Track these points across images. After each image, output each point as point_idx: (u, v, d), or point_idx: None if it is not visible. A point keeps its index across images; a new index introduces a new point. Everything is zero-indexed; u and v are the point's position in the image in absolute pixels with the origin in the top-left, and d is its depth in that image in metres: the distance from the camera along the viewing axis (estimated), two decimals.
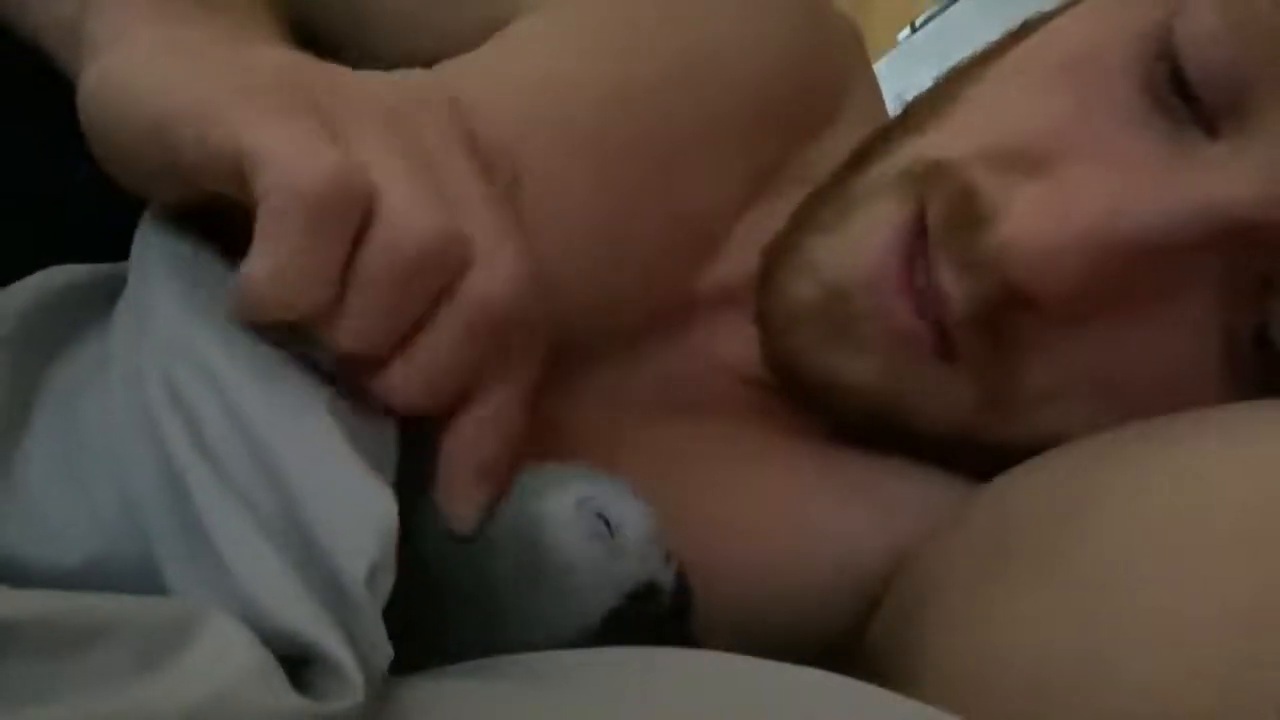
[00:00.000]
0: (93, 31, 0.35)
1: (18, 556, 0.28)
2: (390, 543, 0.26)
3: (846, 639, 0.39)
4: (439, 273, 0.28)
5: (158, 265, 0.31)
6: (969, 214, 0.37)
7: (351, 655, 0.24)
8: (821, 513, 0.41)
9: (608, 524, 0.31)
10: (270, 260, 0.27)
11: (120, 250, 0.33)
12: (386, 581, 0.26)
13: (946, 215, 0.37)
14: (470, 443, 0.30)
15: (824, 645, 0.38)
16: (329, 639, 0.24)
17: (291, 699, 0.22)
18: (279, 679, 0.23)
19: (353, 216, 0.27)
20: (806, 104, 0.48)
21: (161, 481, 0.27)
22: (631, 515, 0.31)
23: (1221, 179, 0.34)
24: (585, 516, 0.31)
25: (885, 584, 0.38)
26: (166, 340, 0.29)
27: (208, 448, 0.27)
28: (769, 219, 0.44)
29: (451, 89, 0.35)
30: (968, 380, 0.38)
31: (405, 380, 0.29)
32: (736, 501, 0.41)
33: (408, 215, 0.28)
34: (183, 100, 0.29)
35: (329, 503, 0.26)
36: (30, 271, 0.34)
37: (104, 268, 0.34)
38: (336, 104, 0.29)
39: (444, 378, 0.29)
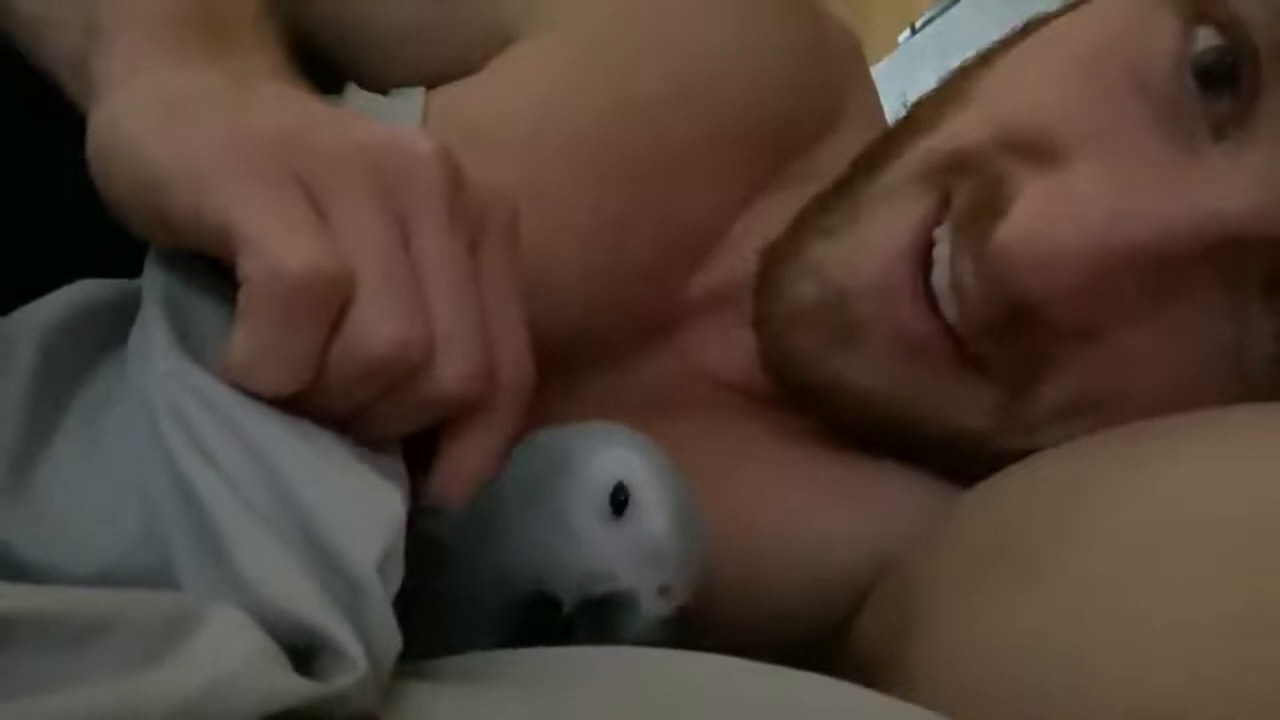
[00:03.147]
0: (97, 72, 0.35)
1: (40, 562, 0.28)
2: (398, 534, 0.27)
3: (831, 639, 0.38)
4: (397, 373, 0.30)
5: (154, 305, 0.32)
6: (994, 199, 0.37)
7: (358, 640, 0.24)
8: (806, 514, 0.41)
9: (625, 498, 0.30)
10: (249, 344, 0.29)
11: (121, 257, 0.34)
12: (396, 571, 0.26)
13: (972, 202, 0.37)
14: (458, 466, 0.32)
15: (809, 645, 0.38)
16: (334, 625, 0.24)
17: (293, 681, 0.22)
18: (281, 663, 0.23)
19: (327, 306, 0.29)
20: (805, 114, 0.48)
21: (173, 490, 0.28)
22: (657, 504, 0.30)
23: (1217, 190, 0.34)
24: (603, 486, 0.30)
25: (870, 585, 0.38)
26: (166, 374, 0.30)
27: (212, 458, 0.28)
28: (762, 224, 0.44)
29: (450, 123, 0.35)
30: (986, 388, 0.38)
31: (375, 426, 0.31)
32: (721, 503, 0.40)
33: (374, 321, 0.30)
34: (177, 167, 0.30)
35: (336, 501, 0.27)
36: (36, 277, 0.34)
37: (131, 283, 0.34)
38: (325, 172, 0.31)
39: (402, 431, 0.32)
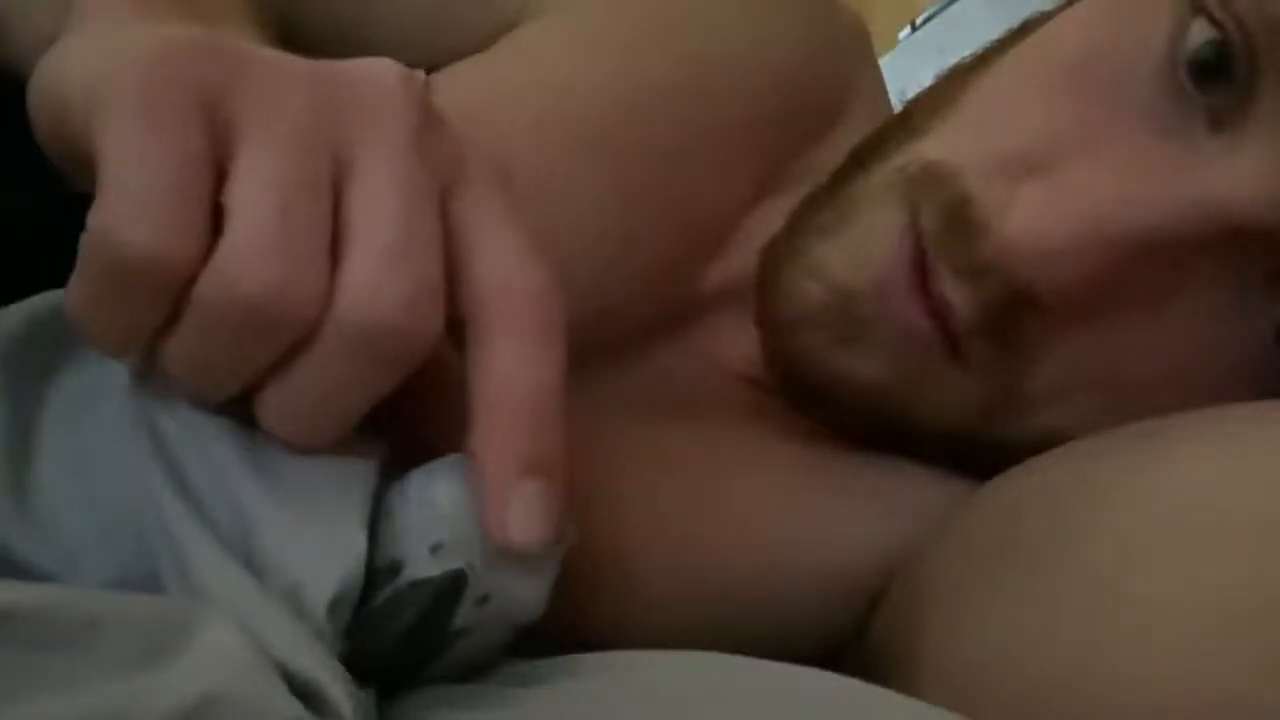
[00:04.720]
0: (65, 34, 0.33)
1: (40, 568, 0.28)
2: (349, 584, 0.26)
3: (846, 640, 0.39)
4: (278, 328, 0.25)
5: None
6: (963, 222, 0.37)
7: (342, 689, 0.24)
8: (820, 514, 0.41)
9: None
10: (76, 296, 0.25)
11: None
12: (342, 616, 0.26)
13: (942, 224, 0.37)
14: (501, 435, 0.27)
15: (824, 646, 0.38)
16: (322, 672, 0.24)
17: (286, 703, 0.22)
18: (274, 682, 0.23)
19: (166, 290, 0.25)
20: (815, 102, 0.48)
21: (151, 511, 0.27)
22: (435, 470, 0.28)
23: (1218, 180, 0.34)
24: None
25: (884, 584, 0.38)
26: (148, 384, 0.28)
27: (192, 498, 0.27)
28: (775, 217, 0.44)
29: (447, 104, 0.33)
30: (975, 381, 0.38)
31: (280, 419, 0.27)
32: (736, 503, 0.40)
33: (242, 264, 0.25)
34: (85, 83, 0.26)
35: (293, 555, 0.26)
36: (34, 277, 0.34)
37: None
38: (246, 90, 0.26)
39: (325, 413, 0.27)
